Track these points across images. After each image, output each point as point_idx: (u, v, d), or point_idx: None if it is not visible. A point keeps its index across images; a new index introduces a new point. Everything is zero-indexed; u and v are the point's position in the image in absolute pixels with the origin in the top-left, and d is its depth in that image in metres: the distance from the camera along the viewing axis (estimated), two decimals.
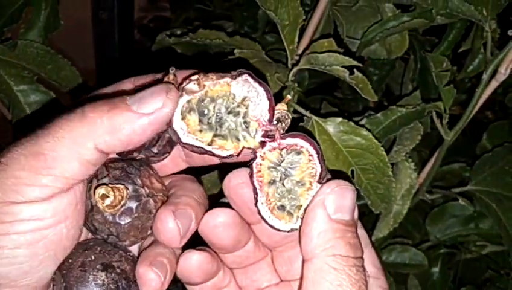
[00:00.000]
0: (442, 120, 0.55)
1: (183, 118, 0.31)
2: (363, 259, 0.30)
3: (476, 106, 0.55)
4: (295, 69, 0.47)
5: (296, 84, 0.48)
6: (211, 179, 0.60)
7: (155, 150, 0.32)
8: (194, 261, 0.33)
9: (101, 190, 0.30)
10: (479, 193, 0.60)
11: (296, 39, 0.51)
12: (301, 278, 0.30)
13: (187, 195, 0.33)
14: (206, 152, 0.31)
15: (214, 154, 0.32)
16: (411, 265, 0.61)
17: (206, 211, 0.33)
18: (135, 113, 0.28)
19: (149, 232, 0.33)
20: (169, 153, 0.33)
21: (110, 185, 0.30)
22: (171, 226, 0.30)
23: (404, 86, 0.68)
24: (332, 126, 0.43)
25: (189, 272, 0.33)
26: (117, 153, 0.32)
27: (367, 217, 0.64)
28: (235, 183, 0.32)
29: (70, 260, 0.31)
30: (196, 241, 0.34)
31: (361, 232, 0.33)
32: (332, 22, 0.63)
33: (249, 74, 0.31)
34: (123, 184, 0.31)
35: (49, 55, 0.52)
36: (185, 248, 0.34)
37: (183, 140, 0.31)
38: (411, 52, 0.68)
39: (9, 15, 0.52)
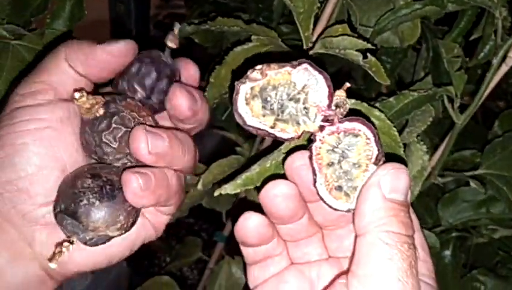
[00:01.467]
0: (454, 104, 0.56)
1: (247, 104, 0.34)
2: (414, 238, 0.32)
3: (487, 91, 0.57)
4: (310, 53, 0.49)
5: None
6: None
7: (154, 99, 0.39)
8: (251, 222, 0.35)
9: (77, 94, 0.35)
10: (490, 177, 0.61)
11: (311, 26, 0.52)
12: (353, 253, 0.32)
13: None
14: (269, 134, 0.34)
15: (276, 137, 0.35)
16: None
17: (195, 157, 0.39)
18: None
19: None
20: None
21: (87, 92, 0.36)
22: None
23: (416, 74, 0.70)
24: None
25: (246, 232, 0.36)
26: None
27: None
28: (298, 164, 0.34)
29: (70, 175, 0.36)
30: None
31: (413, 216, 0.35)
32: (345, 11, 0.65)
33: (309, 63, 0.34)
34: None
35: None
36: None
37: (248, 122, 0.34)
38: (423, 41, 0.70)
39: (36, 6, 0.54)
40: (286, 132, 0.34)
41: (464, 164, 0.73)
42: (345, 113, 0.34)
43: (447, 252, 0.67)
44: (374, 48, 0.45)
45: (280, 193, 0.34)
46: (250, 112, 0.34)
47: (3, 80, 0.49)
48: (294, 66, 0.33)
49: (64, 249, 0.34)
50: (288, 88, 0.34)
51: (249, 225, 0.35)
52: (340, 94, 0.34)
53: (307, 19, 0.52)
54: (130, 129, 0.36)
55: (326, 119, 0.34)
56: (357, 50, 0.47)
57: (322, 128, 0.34)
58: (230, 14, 0.83)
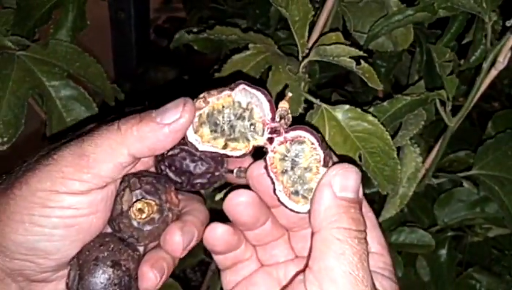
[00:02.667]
0: (446, 107, 0.58)
1: (196, 132, 0.36)
2: (365, 233, 0.34)
3: (477, 94, 0.58)
4: (305, 61, 0.51)
5: (307, 76, 0.51)
6: None
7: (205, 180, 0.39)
8: (218, 232, 0.38)
9: (139, 205, 0.36)
10: (483, 177, 0.63)
11: (306, 34, 0.54)
12: (310, 249, 0.35)
13: (194, 215, 0.39)
14: (221, 155, 0.37)
15: (228, 156, 0.37)
16: (419, 245, 0.64)
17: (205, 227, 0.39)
18: (158, 124, 0.35)
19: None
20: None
21: (145, 201, 0.36)
22: (177, 240, 0.36)
23: (410, 77, 0.72)
24: (341, 113, 0.47)
25: (214, 241, 0.38)
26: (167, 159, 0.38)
27: (377, 204, 0.68)
28: (258, 173, 0.37)
29: (87, 252, 0.37)
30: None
31: (370, 214, 0.38)
32: (340, 18, 0.66)
33: (245, 83, 0.36)
34: (154, 200, 0.37)
35: (77, 53, 0.56)
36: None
37: (200, 148, 0.37)
38: (417, 45, 0.72)
39: (39, 16, 0.56)
40: (237, 149, 0.37)
41: (459, 165, 0.75)
42: (289, 122, 0.36)
43: (443, 251, 0.69)
44: (365, 55, 0.46)
45: (241, 202, 0.37)
46: (200, 138, 0.36)
47: (9, 90, 0.50)
48: (232, 89, 0.36)
49: None
50: (233, 109, 0.36)
51: (216, 234, 0.38)
52: (283, 105, 0.36)
53: (302, 27, 0.54)
54: (162, 225, 0.37)
55: (273, 131, 0.36)
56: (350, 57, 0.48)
57: (271, 140, 0.36)
58: (228, 20, 0.85)
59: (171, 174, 0.38)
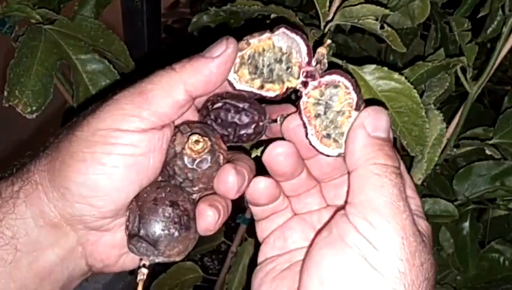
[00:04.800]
0: (467, 75, 0.59)
1: (236, 72, 0.38)
2: (400, 169, 0.35)
3: (497, 61, 0.59)
4: (330, 24, 0.51)
5: (330, 41, 0.52)
6: None
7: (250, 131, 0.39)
8: (262, 185, 0.39)
9: (195, 137, 0.36)
10: (505, 145, 0.63)
11: (328, 3, 0.55)
12: (348, 187, 0.36)
13: (244, 161, 0.39)
14: (256, 94, 0.38)
15: (262, 96, 0.38)
16: (442, 216, 0.65)
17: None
18: (208, 58, 0.36)
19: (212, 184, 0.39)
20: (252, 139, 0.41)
21: (201, 135, 0.37)
22: (231, 179, 0.37)
23: (426, 53, 0.72)
24: (368, 72, 0.47)
25: (258, 194, 0.39)
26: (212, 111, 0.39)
27: None
28: (293, 125, 0.38)
29: (145, 195, 0.37)
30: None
31: (402, 166, 0.38)
32: None
33: (285, 27, 0.37)
34: (207, 136, 0.38)
35: (101, 29, 0.57)
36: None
37: (237, 87, 0.38)
38: (432, 22, 0.73)
39: None
40: (272, 90, 0.38)
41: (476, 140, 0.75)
42: (324, 68, 0.37)
43: (466, 224, 0.69)
44: (392, 13, 0.47)
45: (281, 152, 0.38)
46: (238, 78, 0.38)
47: (38, 61, 0.51)
48: (273, 32, 0.37)
49: (144, 276, 0.38)
50: (273, 52, 0.37)
51: (260, 187, 0.39)
52: (321, 51, 0.37)
53: None
54: (215, 165, 0.38)
55: (308, 75, 0.37)
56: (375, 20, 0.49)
57: (305, 84, 0.37)
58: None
59: (217, 128, 0.39)
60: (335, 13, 0.57)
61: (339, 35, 0.85)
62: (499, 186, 0.70)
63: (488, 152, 0.63)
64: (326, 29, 0.52)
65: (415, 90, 0.47)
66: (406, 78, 0.48)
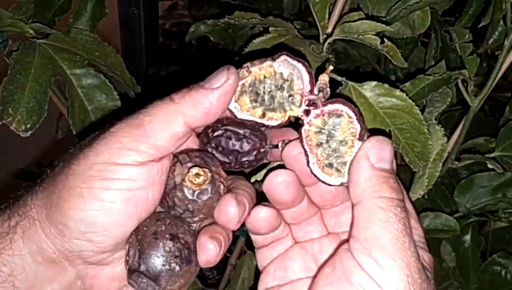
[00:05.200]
0: (468, 88, 0.58)
1: (236, 100, 0.37)
2: (404, 202, 0.34)
3: (499, 73, 0.58)
4: (329, 40, 0.50)
5: (331, 56, 0.51)
6: None
7: (251, 158, 0.39)
8: (262, 215, 0.38)
9: (195, 170, 0.36)
10: (506, 158, 0.62)
11: (327, 16, 0.54)
12: (352, 221, 0.35)
13: (244, 189, 0.39)
14: (258, 124, 0.38)
15: (265, 125, 0.38)
16: (443, 231, 0.64)
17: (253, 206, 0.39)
18: (208, 89, 0.35)
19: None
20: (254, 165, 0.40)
21: (201, 167, 0.36)
22: (232, 210, 0.36)
23: (427, 63, 0.71)
24: (369, 89, 0.47)
25: (258, 224, 0.39)
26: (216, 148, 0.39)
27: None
28: (295, 152, 0.37)
29: (145, 228, 0.37)
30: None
31: (401, 186, 0.37)
32: (356, 4, 0.66)
33: (287, 54, 0.37)
34: (208, 168, 0.37)
35: (96, 42, 0.56)
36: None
37: (238, 116, 0.37)
38: (432, 31, 0.72)
39: (59, 5, 0.56)
40: (274, 119, 0.37)
41: (478, 150, 0.74)
42: (327, 96, 0.37)
43: (467, 237, 0.68)
44: (392, 29, 0.46)
45: (282, 181, 0.37)
46: (239, 107, 0.37)
47: (32, 77, 0.50)
48: (274, 60, 0.37)
49: None
50: (274, 79, 0.37)
51: (260, 217, 0.38)
52: (323, 78, 0.37)
53: (323, 9, 0.54)
54: (215, 195, 0.37)
55: (311, 104, 0.37)
56: (375, 35, 0.48)
57: (307, 112, 0.37)
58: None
59: (218, 155, 0.38)
60: (334, 26, 0.56)
61: (338, 42, 0.84)
62: (501, 198, 0.70)
63: (490, 166, 0.62)
64: (325, 44, 0.51)
65: (416, 107, 0.46)
66: (406, 94, 0.47)
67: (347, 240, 0.35)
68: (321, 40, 0.55)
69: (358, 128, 0.35)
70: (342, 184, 0.36)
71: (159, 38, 1.19)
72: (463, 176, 0.75)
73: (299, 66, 0.36)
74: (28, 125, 0.49)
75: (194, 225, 0.39)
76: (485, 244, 0.72)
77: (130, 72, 0.60)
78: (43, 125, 0.51)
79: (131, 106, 0.65)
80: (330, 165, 0.36)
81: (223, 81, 0.35)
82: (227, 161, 0.39)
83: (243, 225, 0.41)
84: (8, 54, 0.52)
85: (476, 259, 0.68)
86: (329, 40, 0.50)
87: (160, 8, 1.60)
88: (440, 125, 0.56)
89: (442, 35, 0.70)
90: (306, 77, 0.36)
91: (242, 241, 0.75)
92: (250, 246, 0.76)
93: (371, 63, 0.88)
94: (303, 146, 0.37)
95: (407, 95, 0.47)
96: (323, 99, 0.37)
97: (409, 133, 0.47)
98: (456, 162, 0.63)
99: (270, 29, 0.54)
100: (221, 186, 0.37)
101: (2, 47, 0.53)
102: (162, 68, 1.07)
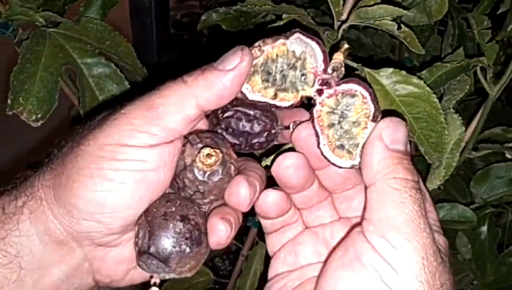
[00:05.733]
0: (487, 75, 0.56)
1: (248, 81, 0.36)
2: (419, 183, 0.34)
3: None
4: (344, 26, 0.49)
5: (346, 42, 0.50)
6: None
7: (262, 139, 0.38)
8: (271, 199, 0.37)
9: (206, 150, 0.35)
10: None
11: (341, 1, 0.53)
12: (365, 202, 0.34)
13: (255, 171, 0.38)
14: (270, 105, 0.37)
15: (277, 106, 0.37)
16: (460, 221, 0.62)
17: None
18: (221, 71, 0.34)
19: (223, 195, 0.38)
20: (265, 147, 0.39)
21: (212, 148, 0.35)
22: (243, 192, 0.35)
23: (443, 51, 0.70)
24: (385, 76, 0.45)
25: (267, 208, 0.38)
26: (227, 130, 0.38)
27: None
28: (304, 134, 0.37)
29: (154, 209, 0.36)
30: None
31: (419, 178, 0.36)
32: None
33: (300, 32, 0.35)
34: (219, 148, 0.36)
35: (107, 31, 0.55)
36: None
37: (250, 97, 0.36)
38: (449, 18, 0.70)
39: None
40: (286, 100, 0.36)
41: (495, 141, 0.73)
42: (341, 76, 0.35)
43: (483, 228, 0.67)
44: (410, 14, 0.45)
45: (291, 164, 0.36)
46: (250, 87, 0.36)
47: (42, 66, 0.50)
48: (287, 37, 0.35)
49: None
50: (287, 58, 0.36)
51: (270, 201, 0.37)
52: (337, 57, 0.36)
53: None
54: (226, 177, 0.36)
55: (324, 83, 0.35)
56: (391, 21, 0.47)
57: (320, 92, 0.35)
58: None
59: (228, 137, 0.37)
60: (349, 12, 0.55)
61: (351, 31, 0.82)
62: None
63: (508, 156, 0.60)
64: (340, 30, 0.49)
65: (434, 95, 0.45)
66: (424, 81, 0.46)
67: (360, 223, 0.34)
68: (335, 27, 0.54)
69: (372, 109, 0.34)
70: (352, 167, 0.35)
71: (170, 29, 1.18)
72: (479, 166, 0.74)
73: (313, 44, 0.35)
74: (39, 115, 0.49)
75: (205, 206, 0.38)
76: (502, 236, 0.70)
77: (141, 63, 0.59)
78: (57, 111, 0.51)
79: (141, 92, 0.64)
80: (341, 146, 0.35)
81: (237, 62, 0.34)
82: (237, 142, 0.38)
83: (255, 215, 0.41)
84: (18, 43, 0.51)
85: (493, 251, 0.67)
86: (345, 26, 0.49)
87: None
88: (458, 114, 0.55)
89: (459, 23, 0.69)
90: (320, 56, 0.35)
91: (254, 232, 0.74)
92: (262, 237, 0.75)
93: (385, 52, 0.87)
94: (314, 127, 0.36)
95: (424, 82, 0.46)
96: (337, 79, 0.35)
97: (425, 123, 0.45)
98: (474, 152, 0.62)
99: (283, 16, 0.53)
100: (232, 168, 0.37)
101: (12, 36, 0.53)
102: (173, 59, 1.06)
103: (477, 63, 0.54)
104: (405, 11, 0.44)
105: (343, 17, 0.56)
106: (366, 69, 0.46)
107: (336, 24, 0.53)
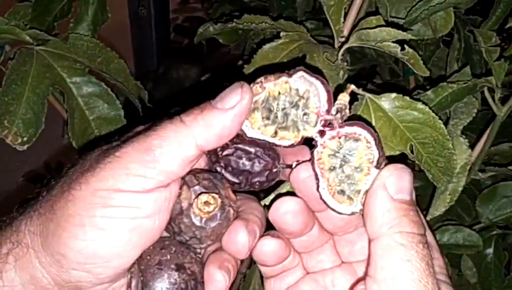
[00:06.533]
0: (495, 96, 0.54)
1: (247, 117, 0.34)
2: (426, 237, 0.32)
3: None
4: (345, 47, 0.47)
5: (345, 64, 0.48)
6: None
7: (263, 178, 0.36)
8: (270, 247, 0.36)
9: (204, 197, 0.33)
10: None
11: (342, 19, 0.50)
12: (368, 257, 0.32)
13: (254, 214, 0.36)
14: (269, 143, 0.35)
15: (276, 145, 0.35)
16: (465, 246, 0.60)
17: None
18: (221, 110, 0.33)
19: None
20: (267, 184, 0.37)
21: (210, 193, 0.34)
22: (242, 240, 0.34)
23: (449, 66, 0.67)
24: (388, 102, 0.43)
25: (265, 257, 0.36)
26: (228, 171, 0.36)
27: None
28: (304, 176, 0.35)
29: (148, 257, 0.34)
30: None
31: (420, 215, 0.34)
32: (373, 4, 0.62)
33: (304, 70, 0.34)
34: (217, 193, 0.34)
35: (98, 48, 0.53)
36: None
37: (249, 134, 0.35)
38: (455, 32, 0.67)
39: (59, 9, 0.53)
40: (286, 139, 0.35)
41: (502, 158, 0.70)
42: (345, 117, 0.34)
43: (489, 251, 0.64)
44: (414, 37, 0.43)
45: (289, 210, 0.35)
46: (249, 124, 0.34)
47: (29, 87, 0.48)
48: (290, 75, 0.34)
49: None
50: (289, 96, 0.34)
51: (268, 249, 0.36)
52: (342, 98, 0.34)
53: (338, 12, 0.50)
54: (224, 221, 0.35)
55: (326, 124, 0.34)
56: (394, 42, 0.44)
57: (322, 133, 0.34)
58: (253, 13, 0.81)
59: (227, 175, 0.36)
60: (351, 30, 0.52)
61: None
62: None
63: None
64: (340, 52, 0.47)
65: (440, 121, 0.43)
66: (428, 106, 0.44)
67: (363, 278, 0.32)
68: (336, 45, 0.51)
69: (376, 155, 0.32)
70: (352, 213, 0.34)
71: (170, 35, 1.16)
72: (486, 184, 0.71)
73: (317, 83, 0.33)
74: (25, 138, 0.47)
75: (201, 250, 0.36)
76: (508, 258, 0.68)
77: (140, 69, 0.57)
78: (51, 127, 0.49)
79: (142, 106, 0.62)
80: (342, 192, 0.34)
81: (237, 100, 0.33)
82: (237, 181, 0.36)
83: None
84: (5, 62, 0.49)
85: (499, 274, 0.65)
86: (345, 47, 0.47)
87: (173, 0, 1.57)
88: (464, 136, 0.52)
89: (465, 36, 0.66)
90: (323, 95, 0.33)
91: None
92: None
93: (388, 63, 0.85)
94: (314, 169, 0.34)
95: (429, 107, 0.44)
96: (340, 121, 0.34)
97: (432, 148, 0.43)
98: (480, 174, 0.59)
99: (281, 34, 0.51)
100: (231, 211, 0.35)
101: None
102: (173, 66, 1.04)
103: (484, 83, 0.52)
104: (408, 35, 0.42)
105: (344, 33, 0.53)
106: (368, 95, 0.44)
107: (337, 43, 0.51)
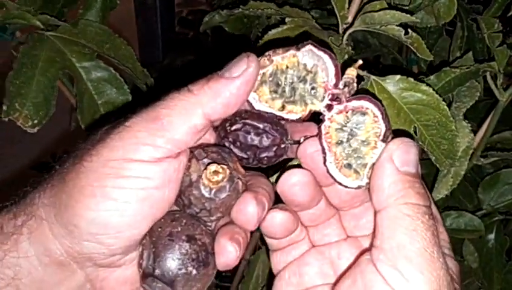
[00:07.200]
0: (497, 81, 0.55)
1: (255, 90, 0.35)
2: (431, 209, 0.32)
3: None
4: (349, 31, 0.48)
5: (350, 48, 0.48)
6: None
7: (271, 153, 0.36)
8: (278, 220, 0.36)
9: (213, 167, 0.34)
10: None
11: (346, 5, 0.51)
12: (374, 229, 0.33)
13: (263, 187, 0.36)
14: (277, 117, 0.35)
15: (284, 118, 0.36)
16: (467, 230, 0.61)
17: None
18: (228, 79, 0.33)
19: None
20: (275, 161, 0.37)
21: (219, 164, 0.34)
22: (251, 210, 0.34)
23: (452, 53, 0.68)
24: (392, 84, 0.44)
25: (274, 229, 0.36)
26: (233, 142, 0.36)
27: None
28: (311, 150, 0.35)
29: (159, 229, 0.35)
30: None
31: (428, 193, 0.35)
32: None
33: (312, 44, 0.34)
34: (226, 164, 0.34)
35: (106, 34, 0.54)
36: None
37: (256, 107, 0.35)
38: (458, 20, 0.68)
39: None
40: (294, 112, 0.35)
41: (503, 145, 0.71)
42: (353, 92, 0.34)
43: (491, 236, 0.65)
44: (418, 20, 0.43)
45: (296, 181, 0.35)
46: (257, 97, 0.35)
47: (39, 71, 0.48)
48: (298, 49, 0.34)
49: None
50: (297, 70, 0.34)
51: (277, 222, 0.36)
52: (350, 72, 0.34)
53: None
54: (233, 193, 0.35)
55: (334, 98, 0.34)
56: (398, 25, 0.45)
57: (330, 107, 0.34)
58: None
59: (236, 151, 0.36)
60: (355, 16, 0.53)
61: (357, 31, 0.81)
62: None
63: None
64: (345, 36, 0.48)
65: (443, 103, 0.43)
66: (432, 88, 0.45)
67: (369, 249, 0.33)
68: (340, 31, 0.52)
69: (383, 129, 0.33)
70: (359, 187, 0.34)
71: (175, 27, 1.16)
72: (488, 171, 0.72)
73: (325, 57, 0.34)
74: (35, 121, 0.48)
75: (211, 223, 0.37)
76: (510, 244, 0.69)
77: (146, 61, 0.58)
78: (57, 114, 0.50)
79: (144, 97, 0.63)
80: (349, 165, 0.34)
81: (243, 69, 0.33)
82: (245, 156, 0.36)
83: None
84: (16, 47, 0.50)
85: (500, 259, 0.66)
86: (350, 31, 0.48)
87: None
88: (466, 120, 0.53)
89: (468, 24, 0.67)
90: (331, 70, 0.34)
91: (257, 236, 0.73)
92: (264, 241, 0.74)
93: (392, 53, 0.85)
94: (321, 143, 0.34)
95: (433, 89, 0.44)
96: (348, 95, 0.34)
97: (436, 130, 0.44)
98: (482, 159, 0.60)
99: (286, 19, 0.52)
100: (240, 184, 0.35)
101: (10, 39, 0.52)
102: (178, 58, 1.05)
103: (487, 68, 0.52)
104: (413, 18, 0.42)
105: (349, 19, 0.54)
106: (373, 77, 0.44)
107: (341, 28, 0.52)
